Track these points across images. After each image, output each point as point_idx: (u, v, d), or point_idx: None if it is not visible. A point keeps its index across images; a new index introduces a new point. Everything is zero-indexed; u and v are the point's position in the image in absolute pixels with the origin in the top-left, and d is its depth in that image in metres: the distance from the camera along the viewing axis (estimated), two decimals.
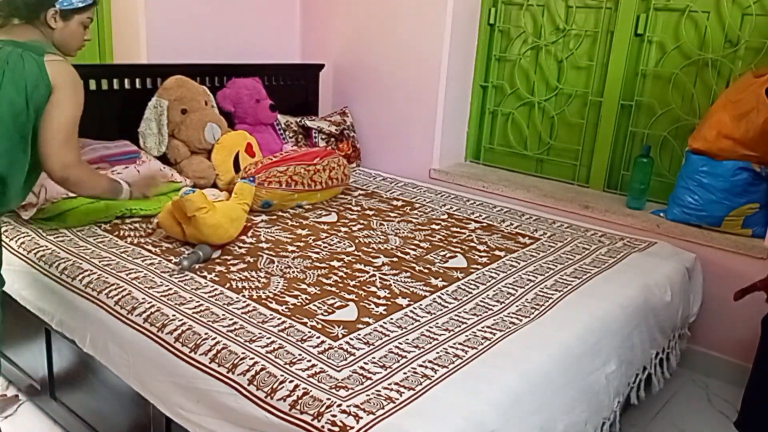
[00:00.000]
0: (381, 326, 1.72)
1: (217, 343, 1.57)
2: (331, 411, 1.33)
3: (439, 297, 1.93)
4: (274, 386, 1.41)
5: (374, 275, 2.06)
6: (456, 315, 1.82)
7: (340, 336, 1.65)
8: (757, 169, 2.48)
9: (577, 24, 3.08)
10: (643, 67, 2.90)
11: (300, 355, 1.54)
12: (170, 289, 1.85)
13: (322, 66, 3.69)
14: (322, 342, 1.61)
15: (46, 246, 2.12)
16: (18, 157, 1.71)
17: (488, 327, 1.76)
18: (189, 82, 2.88)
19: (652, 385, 2.23)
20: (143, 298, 1.77)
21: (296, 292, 1.89)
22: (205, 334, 1.61)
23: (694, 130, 2.67)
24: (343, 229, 2.50)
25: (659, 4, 2.82)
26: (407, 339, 1.66)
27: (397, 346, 1.62)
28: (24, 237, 2.19)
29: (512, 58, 3.30)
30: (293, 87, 3.60)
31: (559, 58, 3.16)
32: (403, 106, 3.43)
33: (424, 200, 2.98)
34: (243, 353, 1.53)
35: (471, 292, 1.98)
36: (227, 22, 3.38)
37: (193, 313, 1.71)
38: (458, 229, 2.58)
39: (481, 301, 1.93)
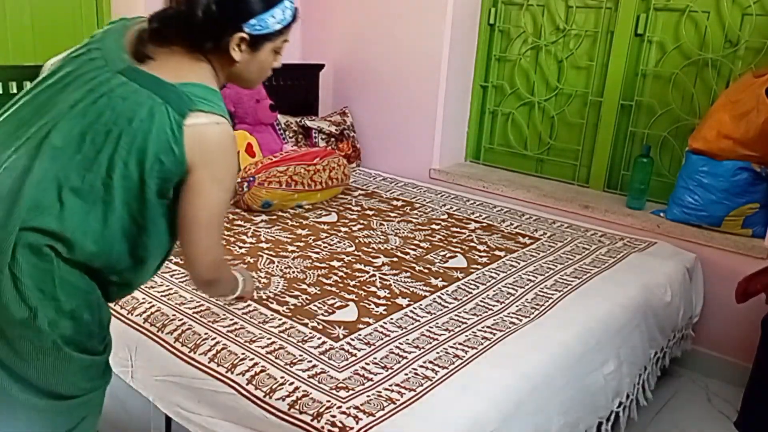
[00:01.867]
0: (381, 326, 1.72)
1: (217, 343, 1.57)
2: (330, 412, 1.33)
3: (439, 297, 1.94)
4: (274, 387, 1.41)
5: (374, 275, 2.06)
6: (456, 315, 1.82)
7: (341, 337, 1.65)
8: (757, 169, 2.48)
9: (577, 24, 3.08)
10: (643, 67, 2.90)
11: (300, 355, 1.54)
12: (170, 289, 1.85)
13: (322, 66, 3.69)
14: (323, 342, 1.61)
15: None
16: (123, 245, 1.21)
17: (488, 327, 1.76)
18: None
19: (648, 385, 2.22)
20: (143, 298, 1.78)
21: (296, 293, 1.89)
22: (205, 334, 1.61)
23: (694, 130, 2.67)
24: (343, 229, 2.50)
25: (659, 4, 2.82)
26: (407, 339, 1.66)
27: (397, 347, 1.62)
28: None
29: (512, 58, 3.30)
30: (293, 87, 3.60)
31: (559, 58, 3.15)
32: (403, 106, 3.43)
33: (424, 200, 2.98)
34: (243, 353, 1.53)
35: (471, 292, 1.98)
36: None
37: (194, 313, 1.71)
38: (458, 229, 2.58)
39: (481, 301, 1.93)
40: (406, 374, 1.49)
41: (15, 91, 2.49)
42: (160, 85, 1.16)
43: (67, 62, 1.28)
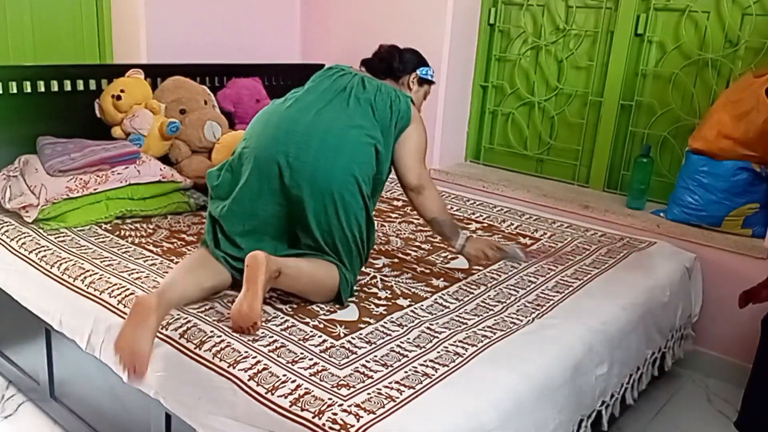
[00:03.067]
0: (382, 325, 1.72)
1: (222, 340, 1.58)
2: (332, 409, 1.33)
3: (440, 297, 1.94)
4: (276, 384, 1.42)
5: (375, 276, 2.06)
6: (457, 315, 1.82)
7: (342, 335, 1.65)
8: (757, 169, 2.49)
9: (577, 24, 3.08)
10: (643, 67, 2.91)
11: (302, 353, 1.54)
12: None
13: (322, 66, 3.66)
14: (324, 341, 1.61)
15: (48, 246, 2.13)
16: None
17: (489, 327, 1.76)
18: (188, 83, 2.88)
19: (641, 384, 2.22)
20: None
21: None
22: (211, 331, 1.62)
23: (694, 130, 2.67)
24: None
25: (659, 4, 2.82)
26: (408, 338, 1.66)
27: (398, 345, 1.62)
28: (25, 237, 2.19)
29: (512, 58, 3.31)
30: (293, 87, 3.56)
31: (559, 58, 3.16)
32: None
33: None
34: (246, 351, 1.53)
35: (472, 293, 1.98)
36: (227, 22, 3.38)
37: (198, 311, 1.71)
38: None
39: (482, 301, 1.93)
40: (406, 372, 1.49)
41: (15, 91, 2.49)
42: (389, 87, 2.07)
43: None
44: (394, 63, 2.17)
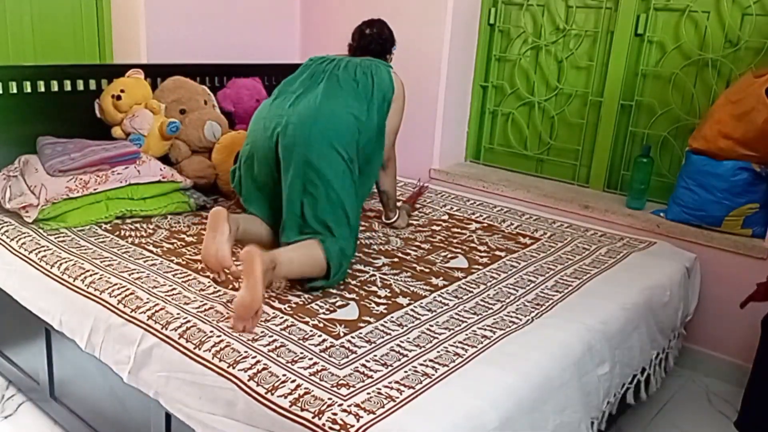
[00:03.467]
0: (382, 325, 1.72)
1: (221, 340, 1.58)
2: (332, 409, 1.33)
3: (440, 296, 1.94)
4: (276, 384, 1.42)
5: (374, 275, 2.07)
6: (456, 314, 1.82)
7: (342, 334, 1.65)
8: (757, 169, 2.49)
9: (577, 24, 3.09)
10: (643, 67, 2.91)
11: (302, 353, 1.54)
12: (174, 288, 1.85)
13: None
14: (324, 340, 1.61)
15: (47, 246, 2.13)
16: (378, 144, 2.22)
17: (488, 326, 1.76)
18: (188, 83, 2.88)
19: (650, 386, 2.23)
20: (147, 298, 1.78)
21: (298, 292, 1.89)
22: (210, 331, 1.62)
23: (694, 130, 2.67)
24: None
25: (659, 4, 2.82)
26: (408, 338, 1.66)
27: (398, 344, 1.62)
28: (25, 237, 2.19)
29: (512, 58, 3.31)
30: None
31: (559, 58, 3.16)
32: None
33: (425, 200, 2.98)
34: (245, 351, 1.53)
35: (472, 292, 1.98)
36: (227, 22, 3.39)
37: (198, 312, 1.72)
38: (459, 230, 2.58)
39: (481, 300, 1.93)
40: (405, 372, 1.49)
41: (15, 91, 2.49)
42: (372, 60, 2.31)
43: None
44: (386, 44, 2.47)
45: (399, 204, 2.64)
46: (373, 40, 2.44)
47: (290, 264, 1.85)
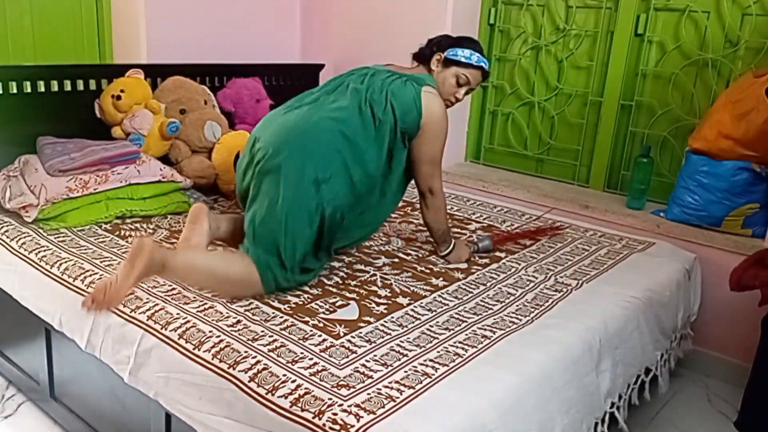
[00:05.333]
0: (382, 325, 1.72)
1: (221, 341, 1.58)
2: (332, 410, 1.33)
3: (440, 296, 1.94)
4: (276, 384, 1.42)
5: (375, 275, 2.07)
6: (456, 314, 1.82)
7: (342, 334, 1.65)
8: (757, 169, 2.49)
9: (577, 24, 3.09)
10: (643, 67, 2.91)
11: (302, 353, 1.54)
12: (174, 288, 1.85)
13: (322, 66, 3.69)
14: (324, 340, 1.61)
15: (47, 246, 2.13)
16: (377, 166, 1.96)
17: (488, 326, 1.76)
18: (188, 83, 2.88)
19: (658, 387, 2.23)
20: (147, 298, 1.78)
21: (298, 292, 1.89)
22: (210, 331, 1.61)
23: (694, 130, 2.67)
24: None
25: (659, 4, 2.82)
26: (408, 338, 1.66)
27: (398, 344, 1.62)
28: (25, 237, 2.19)
29: (512, 58, 3.31)
30: (293, 87, 3.59)
31: (559, 58, 3.16)
32: None
33: None
34: (245, 351, 1.53)
35: (471, 292, 1.98)
36: (227, 22, 3.38)
37: (198, 311, 1.71)
38: (459, 230, 2.58)
39: (481, 300, 1.93)
40: (405, 372, 1.49)
41: (15, 91, 2.49)
42: (403, 74, 2.03)
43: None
44: (425, 48, 2.15)
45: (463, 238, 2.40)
46: (423, 45, 2.17)
47: (186, 274, 1.77)
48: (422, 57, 2.14)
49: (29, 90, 2.53)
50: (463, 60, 2.07)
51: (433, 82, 2.05)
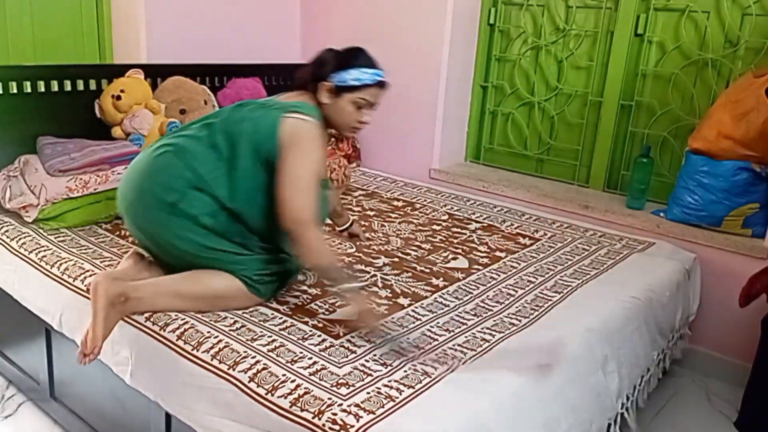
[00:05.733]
0: (382, 325, 1.72)
1: (220, 341, 1.58)
2: (331, 409, 1.33)
3: (440, 297, 1.94)
4: (275, 384, 1.42)
5: (375, 275, 2.06)
6: (456, 315, 1.82)
7: (341, 334, 1.65)
8: (757, 169, 2.49)
9: (577, 24, 3.08)
10: (643, 67, 2.91)
11: (301, 353, 1.54)
12: None
13: None
14: (323, 340, 1.61)
15: (47, 246, 2.13)
16: (252, 198, 1.74)
17: (488, 328, 1.76)
18: (188, 83, 2.88)
19: (650, 385, 2.23)
20: None
21: (297, 292, 1.89)
22: (208, 332, 1.61)
23: (694, 130, 2.67)
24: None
25: (659, 4, 2.82)
26: (408, 338, 1.66)
27: (398, 344, 1.62)
28: (25, 237, 2.19)
29: (512, 58, 3.30)
30: (293, 87, 3.58)
31: (559, 58, 3.16)
32: (403, 106, 3.43)
33: (425, 200, 2.98)
34: (245, 351, 1.53)
35: (471, 293, 1.98)
36: (227, 22, 3.38)
37: (196, 312, 1.71)
38: (459, 230, 2.58)
39: (481, 302, 1.93)
40: (405, 371, 1.49)
41: (15, 91, 2.49)
42: (278, 103, 1.83)
43: None
44: (305, 77, 1.87)
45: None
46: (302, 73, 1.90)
47: (153, 301, 1.70)
48: (305, 86, 1.87)
49: (29, 90, 2.52)
50: (356, 84, 1.79)
51: (306, 109, 1.78)
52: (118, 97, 2.60)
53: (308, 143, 1.73)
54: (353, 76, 1.79)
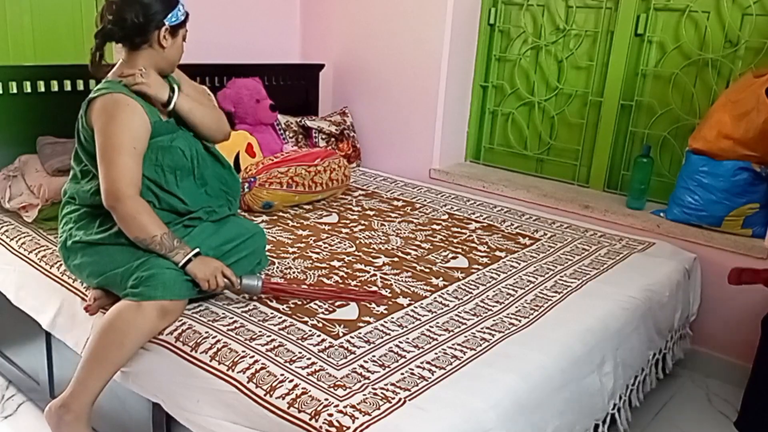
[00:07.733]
0: (382, 325, 1.72)
1: (218, 341, 1.58)
2: (328, 410, 1.33)
3: (440, 296, 1.94)
4: (274, 384, 1.42)
5: (375, 275, 2.06)
6: (456, 315, 1.82)
7: (341, 334, 1.65)
8: (757, 169, 2.49)
9: (577, 24, 3.08)
10: (643, 67, 2.90)
11: (300, 353, 1.54)
12: None
13: (322, 66, 3.69)
14: (323, 340, 1.61)
15: (47, 246, 2.13)
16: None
17: (487, 328, 1.76)
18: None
19: (645, 385, 2.23)
20: None
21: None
22: (206, 332, 1.61)
23: (694, 130, 2.67)
24: (344, 230, 2.50)
25: (659, 4, 2.82)
26: (407, 338, 1.66)
27: (397, 345, 1.62)
28: (24, 237, 2.19)
29: (512, 58, 3.30)
30: (293, 87, 3.60)
31: (559, 58, 3.16)
32: (403, 106, 3.43)
33: (425, 200, 2.98)
34: (243, 351, 1.53)
35: (471, 293, 1.98)
36: (227, 22, 3.38)
37: (194, 312, 1.71)
38: (459, 230, 2.58)
39: (481, 301, 1.93)
40: (402, 374, 1.49)
41: (15, 91, 2.49)
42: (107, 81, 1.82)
43: None
44: (135, 34, 1.74)
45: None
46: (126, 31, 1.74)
47: (88, 378, 1.64)
48: (136, 45, 1.76)
49: (29, 90, 2.53)
50: (183, 18, 1.81)
51: (104, 87, 1.78)
52: None
53: (107, 115, 1.69)
54: (181, 11, 1.80)
